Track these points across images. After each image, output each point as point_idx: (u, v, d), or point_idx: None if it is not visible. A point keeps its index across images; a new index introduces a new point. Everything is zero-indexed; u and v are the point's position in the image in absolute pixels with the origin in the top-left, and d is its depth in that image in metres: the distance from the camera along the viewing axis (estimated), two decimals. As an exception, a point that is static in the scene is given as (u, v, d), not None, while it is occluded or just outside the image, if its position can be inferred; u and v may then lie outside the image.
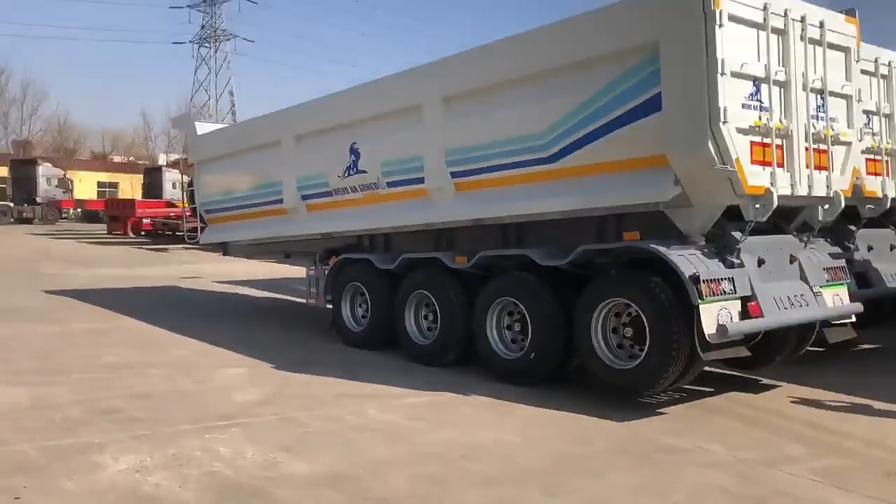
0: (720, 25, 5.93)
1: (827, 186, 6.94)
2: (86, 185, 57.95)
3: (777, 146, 6.46)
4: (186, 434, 5.62)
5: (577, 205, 7.05)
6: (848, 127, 7.26)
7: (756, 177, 6.25)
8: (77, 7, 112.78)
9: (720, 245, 6.49)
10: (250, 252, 12.72)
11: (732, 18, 6.08)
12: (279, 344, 9.42)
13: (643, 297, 6.36)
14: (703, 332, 5.96)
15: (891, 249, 9.08)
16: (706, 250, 6.43)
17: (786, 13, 6.53)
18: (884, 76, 8.67)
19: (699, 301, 5.96)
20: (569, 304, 6.94)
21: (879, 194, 8.52)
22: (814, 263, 7.09)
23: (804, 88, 6.72)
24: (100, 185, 60.07)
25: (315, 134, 9.96)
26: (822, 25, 6.88)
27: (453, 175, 8.06)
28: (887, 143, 8.73)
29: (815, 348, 9.07)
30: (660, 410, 6.60)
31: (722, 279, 6.18)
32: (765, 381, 7.69)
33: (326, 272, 9.89)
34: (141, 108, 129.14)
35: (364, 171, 9.18)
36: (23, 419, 5.94)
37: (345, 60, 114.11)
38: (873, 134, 8.52)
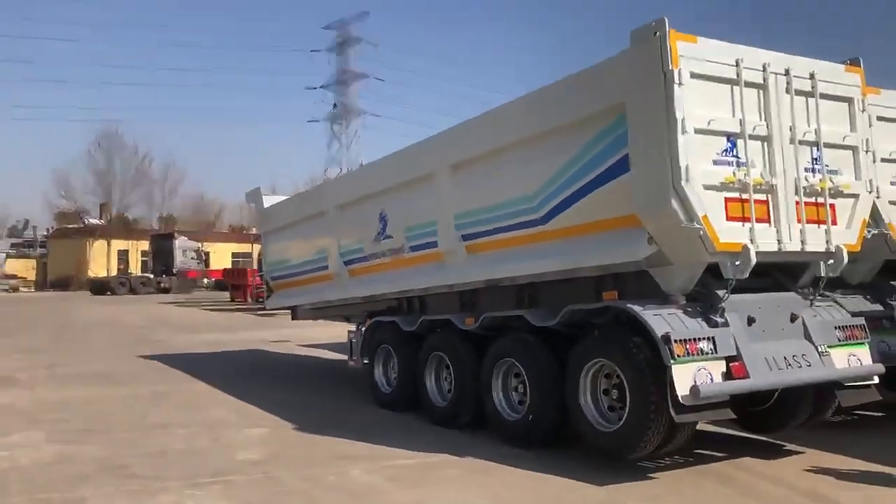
0: (679, 84, 5.94)
1: (826, 241, 6.66)
2: (221, 256, 61.71)
3: (757, 201, 6.31)
4: (169, 490, 6.00)
5: (566, 265, 7.09)
6: (856, 179, 6.98)
7: (730, 233, 6.13)
8: (218, 94, 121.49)
9: (705, 304, 6.36)
10: (314, 315, 13.27)
11: (696, 76, 6.07)
12: (315, 405, 9.78)
13: (622, 358, 6.30)
14: (676, 394, 5.83)
15: None
16: (689, 309, 6.32)
17: (764, 67, 6.44)
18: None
19: (671, 361, 5.85)
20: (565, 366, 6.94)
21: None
22: (822, 322, 6.78)
23: (791, 142, 6.55)
24: (234, 255, 63.53)
25: (353, 203, 10.45)
26: (812, 77, 6.72)
27: (463, 238, 8.27)
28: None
29: (873, 412, 8.63)
30: (651, 475, 6.43)
31: (701, 339, 6.04)
32: (790, 446, 7.35)
33: (363, 334, 10.25)
34: (272, 183, 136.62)
35: (391, 237, 9.54)
36: (36, 474, 6.52)
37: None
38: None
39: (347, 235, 10.58)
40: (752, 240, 6.20)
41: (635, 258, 6.42)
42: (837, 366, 6.69)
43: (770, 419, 7.35)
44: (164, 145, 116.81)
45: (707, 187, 6.05)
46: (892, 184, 8.01)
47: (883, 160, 7.90)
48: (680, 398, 5.81)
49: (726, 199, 6.20)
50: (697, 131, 6.03)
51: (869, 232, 7.03)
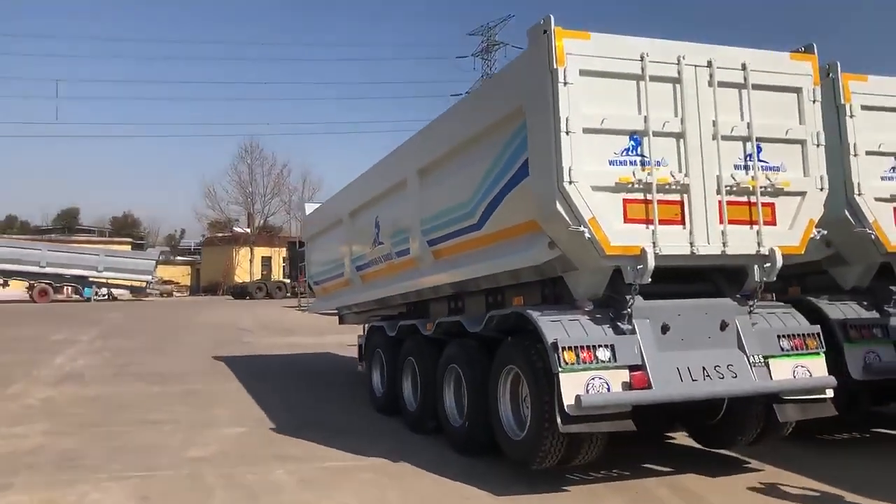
0: (565, 83, 5.74)
1: (757, 243, 6.19)
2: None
3: (666, 202, 5.97)
4: (89, 481, 6.44)
5: (488, 270, 7.01)
6: (804, 175, 6.43)
7: (627, 236, 5.84)
8: (365, 105, 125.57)
9: (616, 310, 6.09)
10: (357, 320, 13.58)
11: (588, 73, 5.84)
12: (319, 408, 10.09)
13: (524, 365, 6.17)
14: (563, 403, 5.62)
15: None
16: (599, 315, 6.07)
17: (679, 60, 6.08)
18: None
19: (558, 369, 5.66)
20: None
21: (921, 249, 7.28)
22: (762, 330, 6.31)
23: (714, 137, 6.13)
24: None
25: (358, 210, 10.69)
26: (744, 68, 6.27)
27: (429, 243, 8.30)
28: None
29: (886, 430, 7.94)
30: (566, 488, 6.24)
31: (599, 346, 5.79)
32: (753, 463, 6.96)
33: (364, 338, 10.48)
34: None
35: (382, 243, 9.70)
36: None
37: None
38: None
39: (356, 241, 10.83)
40: (654, 243, 5.87)
41: (536, 262, 6.26)
42: (777, 377, 6.21)
43: (719, 433, 6.92)
44: (300, 156, 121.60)
45: (597, 188, 5.79)
46: (883, 179, 7.34)
47: (868, 153, 7.27)
48: (566, 407, 5.60)
49: (625, 201, 5.90)
50: (588, 131, 5.79)
51: (817, 233, 6.45)
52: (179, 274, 68.76)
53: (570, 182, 5.68)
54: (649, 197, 5.91)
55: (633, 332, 5.94)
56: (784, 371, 6.25)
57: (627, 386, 5.77)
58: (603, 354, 5.77)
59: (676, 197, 6.04)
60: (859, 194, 7.19)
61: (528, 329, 6.11)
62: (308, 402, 10.58)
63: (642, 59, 5.97)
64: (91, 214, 74.99)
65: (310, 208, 14.01)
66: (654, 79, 6.01)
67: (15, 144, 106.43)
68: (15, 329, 23.98)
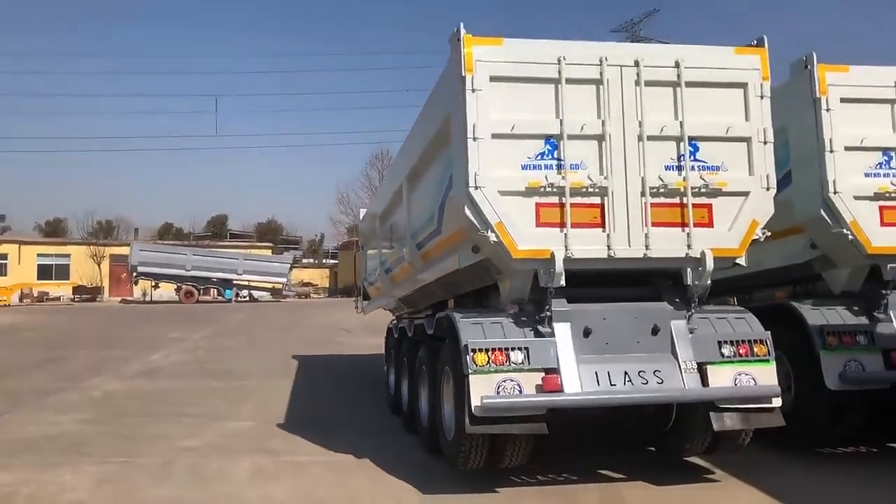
0: (473, 90, 5.82)
1: (688, 246, 5.99)
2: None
3: (584, 205, 5.91)
4: (76, 464, 7.16)
5: (433, 275, 7.15)
6: (749, 174, 6.15)
7: (537, 240, 5.83)
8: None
9: (536, 313, 6.08)
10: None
11: (500, 79, 5.88)
12: (335, 406, 10.57)
13: (451, 367, 6.29)
14: (470, 404, 5.70)
15: (974, 322, 6.99)
16: (524, 318, 6.10)
17: (601, 61, 5.99)
18: None
19: (468, 371, 5.75)
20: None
21: (909, 251, 6.77)
22: (700, 336, 6.10)
23: (641, 138, 5.99)
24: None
25: (384, 213, 11.03)
26: (678, 65, 6.08)
27: (417, 246, 8.52)
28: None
29: None
30: (497, 489, 6.29)
31: (512, 349, 5.82)
32: (716, 474, 6.76)
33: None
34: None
35: (394, 246, 10.01)
36: (17, 444, 8.07)
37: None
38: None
39: (384, 244, 11.19)
40: (566, 246, 5.83)
41: (461, 266, 6.35)
42: (714, 384, 5.98)
43: (668, 441, 6.72)
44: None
45: (506, 193, 5.82)
46: (867, 175, 6.88)
47: (849, 148, 6.84)
48: (473, 409, 5.68)
49: (538, 205, 5.89)
50: (497, 136, 5.83)
51: (761, 234, 6.13)
52: (319, 276, 71.87)
53: (476, 187, 5.75)
54: (564, 200, 5.86)
55: (551, 335, 5.91)
56: (723, 378, 6.00)
57: (540, 389, 5.76)
58: (516, 357, 5.79)
59: (596, 200, 5.96)
60: (835, 192, 6.74)
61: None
62: (337, 400, 11.05)
63: (559, 62, 5.94)
64: (238, 221, 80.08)
65: (362, 213, 14.52)
66: (572, 81, 5.95)
67: (175, 157, 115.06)
68: (142, 328, 26.10)
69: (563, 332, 5.92)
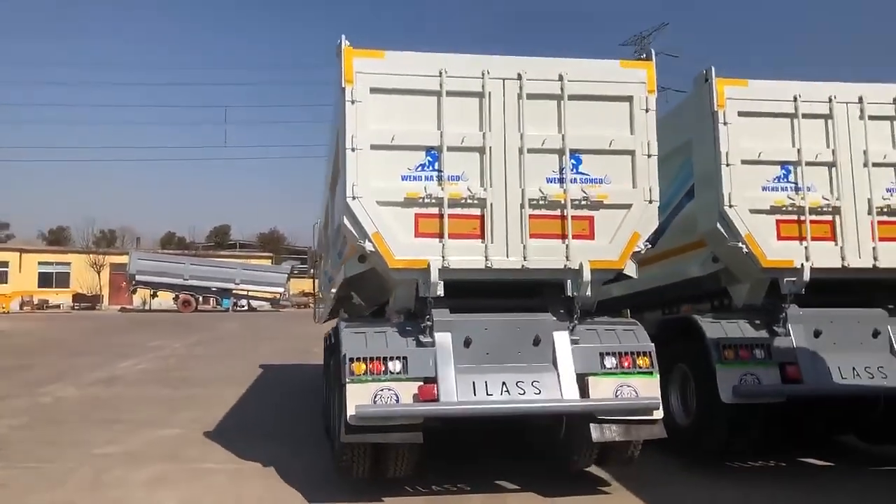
0: (353, 101, 5.91)
1: (566, 257, 6.03)
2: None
3: (464, 216, 5.98)
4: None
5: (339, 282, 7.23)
6: (633, 187, 6.20)
7: (413, 250, 5.90)
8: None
9: (419, 323, 6.14)
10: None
11: (380, 91, 5.98)
12: (276, 415, 10.62)
13: (337, 375, 6.31)
14: (346, 413, 5.76)
15: (874, 336, 7.00)
16: (408, 328, 6.16)
17: (483, 74, 6.07)
18: (807, 115, 7.00)
19: (346, 380, 5.80)
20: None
21: (796, 264, 6.78)
22: (582, 348, 6.14)
23: (522, 151, 6.05)
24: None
25: (324, 224, 11.13)
26: (561, 79, 6.15)
27: (338, 255, 8.57)
28: (819, 199, 6.93)
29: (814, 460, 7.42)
30: (383, 498, 6.33)
31: (391, 358, 5.88)
32: (611, 487, 6.75)
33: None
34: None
35: (330, 256, 10.09)
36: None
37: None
38: (796, 189, 6.93)
39: (326, 250, 11.31)
40: (443, 256, 5.89)
41: (346, 276, 6.44)
42: (595, 396, 6.00)
43: (558, 453, 6.74)
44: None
45: (384, 203, 5.89)
46: (764, 189, 6.92)
47: (746, 162, 6.87)
48: (348, 418, 5.73)
49: (417, 215, 5.97)
50: (376, 147, 5.91)
51: (644, 246, 6.17)
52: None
53: (354, 198, 5.83)
54: (435, 211, 5.93)
55: (431, 344, 5.96)
56: (604, 390, 6.04)
57: (417, 398, 5.81)
58: (394, 366, 5.84)
59: (476, 211, 6.02)
60: (730, 206, 6.77)
61: None
62: (277, 410, 11.09)
63: (441, 74, 6.01)
64: (242, 231, 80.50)
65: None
66: (453, 94, 6.03)
67: (182, 167, 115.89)
68: (126, 335, 26.25)
69: (443, 341, 5.97)
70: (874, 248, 6.88)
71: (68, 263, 55.68)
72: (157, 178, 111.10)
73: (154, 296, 50.26)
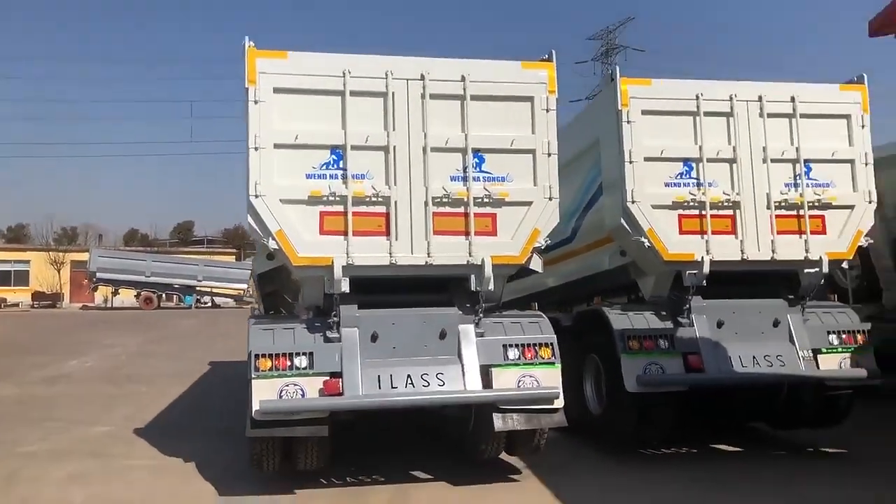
0: (256, 101, 6.02)
1: (469, 253, 6.21)
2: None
3: (362, 214, 6.11)
4: None
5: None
6: (534, 185, 6.38)
7: (318, 248, 6.03)
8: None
9: (326, 320, 6.27)
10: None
11: (284, 90, 6.09)
12: (209, 412, 10.68)
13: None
14: (251, 409, 5.88)
15: (775, 325, 7.27)
16: (317, 324, 6.29)
17: (387, 75, 6.21)
18: (709, 113, 7.23)
19: (252, 375, 5.93)
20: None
21: (696, 257, 7.02)
22: (486, 340, 6.32)
23: (425, 150, 6.21)
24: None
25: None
26: (464, 79, 6.31)
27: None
28: (720, 194, 7.18)
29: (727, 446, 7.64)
30: (297, 490, 6.46)
31: (297, 354, 6.01)
32: (521, 474, 6.96)
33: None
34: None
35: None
36: None
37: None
38: (698, 185, 7.16)
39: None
40: (347, 254, 6.03)
41: (256, 272, 6.58)
42: (497, 386, 6.20)
43: (467, 443, 6.93)
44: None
45: (288, 202, 6.01)
46: (667, 185, 7.14)
47: (648, 159, 7.09)
48: (253, 413, 5.85)
49: (322, 213, 6.09)
50: (280, 146, 6.03)
51: (544, 242, 6.37)
52: (287, 283, 71.70)
53: (257, 196, 5.94)
54: (338, 209, 6.07)
55: (338, 340, 6.10)
56: (507, 380, 6.23)
57: (322, 393, 5.95)
58: (300, 362, 5.98)
59: (380, 209, 6.16)
60: (633, 202, 6.99)
61: None
62: (215, 408, 11.12)
63: (344, 75, 6.14)
64: (206, 227, 79.86)
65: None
66: (357, 94, 6.17)
67: (146, 163, 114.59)
68: (82, 333, 26.01)
69: (350, 337, 6.12)
70: (772, 241, 7.14)
71: (27, 261, 54.94)
72: (122, 174, 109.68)
73: (115, 293, 49.74)
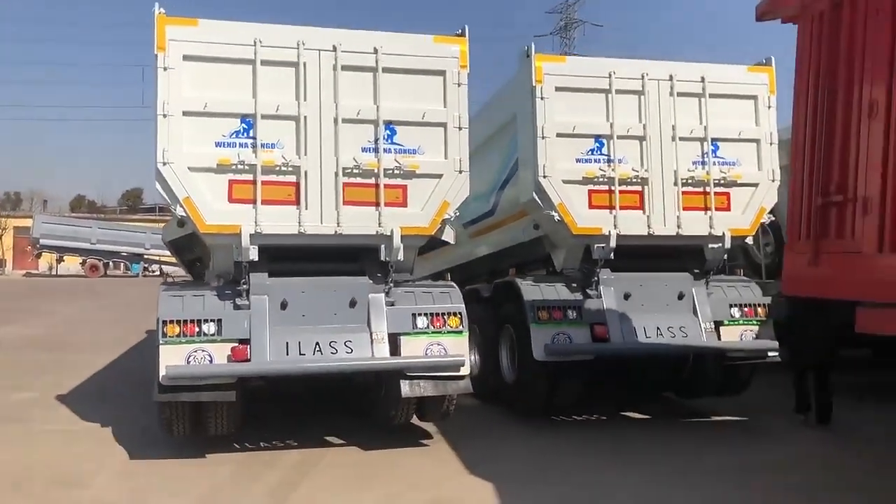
0: (165, 69, 6.02)
1: (379, 224, 6.32)
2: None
3: (272, 183, 6.18)
4: None
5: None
6: (444, 158, 6.51)
7: (226, 216, 6.09)
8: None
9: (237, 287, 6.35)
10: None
11: (194, 58, 6.09)
12: (126, 380, 10.63)
13: (158, 338, 6.50)
14: (159, 374, 5.94)
15: (679, 298, 7.53)
16: (228, 291, 6.36)
17: (299, 45, 6.25)
18: (620, 91, 7.41)
19: (159, 342, 5.98)
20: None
21: (604, 231, 7.23)
22: (396, 309, 6.47)
23: (337, 121, 6.28)
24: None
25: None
26: (376, 52, 6.37)
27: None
28: (629, 171, 7.38)
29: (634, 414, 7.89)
30: (208, 454, 6.54)
31: (205, 320, 6.08)
32: (432, 440, 7.08)
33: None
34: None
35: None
36: None
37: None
38: (608, 161, 7.35)
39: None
40: (256, 222, 6.10)
41: (166, 239, 6.70)
42: (406, 354, 6.39)
43: (378, 410, 7.10)
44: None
45: (196, 170, 6.04)
46: (578, 161, 7.32)
47: (561, 135, 7.26)
48: (160, 377, 5.92)
49: (231, 182, 6.14)
50: (188, 114, 6.04)
51: (454, 213, 6.53)
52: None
53: (164, 163, 5.96)
54: (248, 178, 6.13)
55: (247, 307, 6.19)
56: (415, 348, 6.39)
57: (230, 359, 6.04)
58: (208, 328, 6.06)
59: (291, 178, 6.23)
60: (545, 176, 7.16)
61: None
62: (143, 373, 11.12)
63: (255, 44, 6.16)
64: (153, 195, 78.31)
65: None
66: (268, 63, 6.20)
67: (95, 128, 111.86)
68: (21, 301, 25.59)
69: (259, 304, 6.21)
70: (678, 217, 7.39)
71: (-32, 227, 53.57)
72: (70, 139, 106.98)
73: (60, 261, 48.81)
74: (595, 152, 7.35)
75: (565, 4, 72.15)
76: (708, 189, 7.48)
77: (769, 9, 5.10)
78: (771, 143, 7.64)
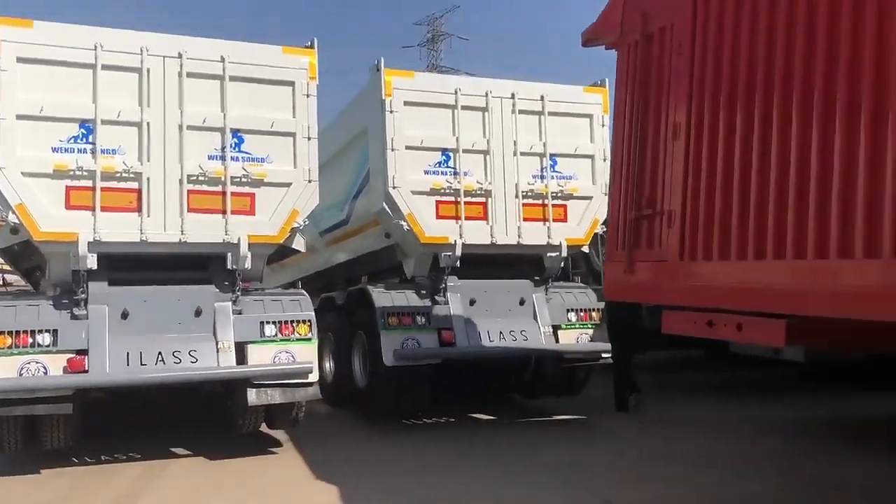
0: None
1: (225, 232, 6.33)
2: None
3: (114, 189, 6.10)
4: None
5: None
6: (294, 167, 6.60)
7: (64, 223, 5.96)
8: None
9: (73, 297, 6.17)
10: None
11: (30, 60, 5.94)
12: None
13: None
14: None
15: (521, 304, 7.89)
16: (64, 301, 6.19)
17: (143, 50, 6.24)
18: (466, 107, 7.73)
19: None
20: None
21: (450, 240, 7.52)
22: (244, 318, 6.47)
23: (182, 128, 6.28)
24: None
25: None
26: (223, 60, 6.40)
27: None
28: (474, 183, 7.71)
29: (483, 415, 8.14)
30: (43, 469, 6.29)
31: (39, 331, 5.93)
32: (283, 447, 7.06)
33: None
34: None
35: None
36: None
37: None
38: (454, 173, 7.63)
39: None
40: (94, 230, 5.98)
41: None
42: (252, 362, 6.42)
43: (226, 419, 7.09)
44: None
45: (31, 175, 5.90)
46: (426, 173, 7.58)
47: (409, 147, 7.49)
48: None
49: (68, 188, 6.03)
50: (22, 117, 5.91)
51: (303, 222, 6.62)
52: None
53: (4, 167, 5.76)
54: (87, 184, 6.01)
55: (85, 317, 6.04)
56: (262, 356, 6.42)
57: (67, 370, 5.87)
58: (43, 339, 5.88)
59: (133, 185, 6.16)
60: (394, 188, 7.39)
61: None
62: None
63: (95, 48, 6.06)
64: None
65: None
66: (109, 68, 6.12)
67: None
68: None
69: (97, 314, 6.08)
70: (519, 227, 7.82)
71: None
72: None
73: None
74: (442, 165, 7.65)
75: (433, 17, 73.44)
76: (546, 201, 7.95)
77: (593, 36, 5.55)
78: (604, 159, 8.19)
